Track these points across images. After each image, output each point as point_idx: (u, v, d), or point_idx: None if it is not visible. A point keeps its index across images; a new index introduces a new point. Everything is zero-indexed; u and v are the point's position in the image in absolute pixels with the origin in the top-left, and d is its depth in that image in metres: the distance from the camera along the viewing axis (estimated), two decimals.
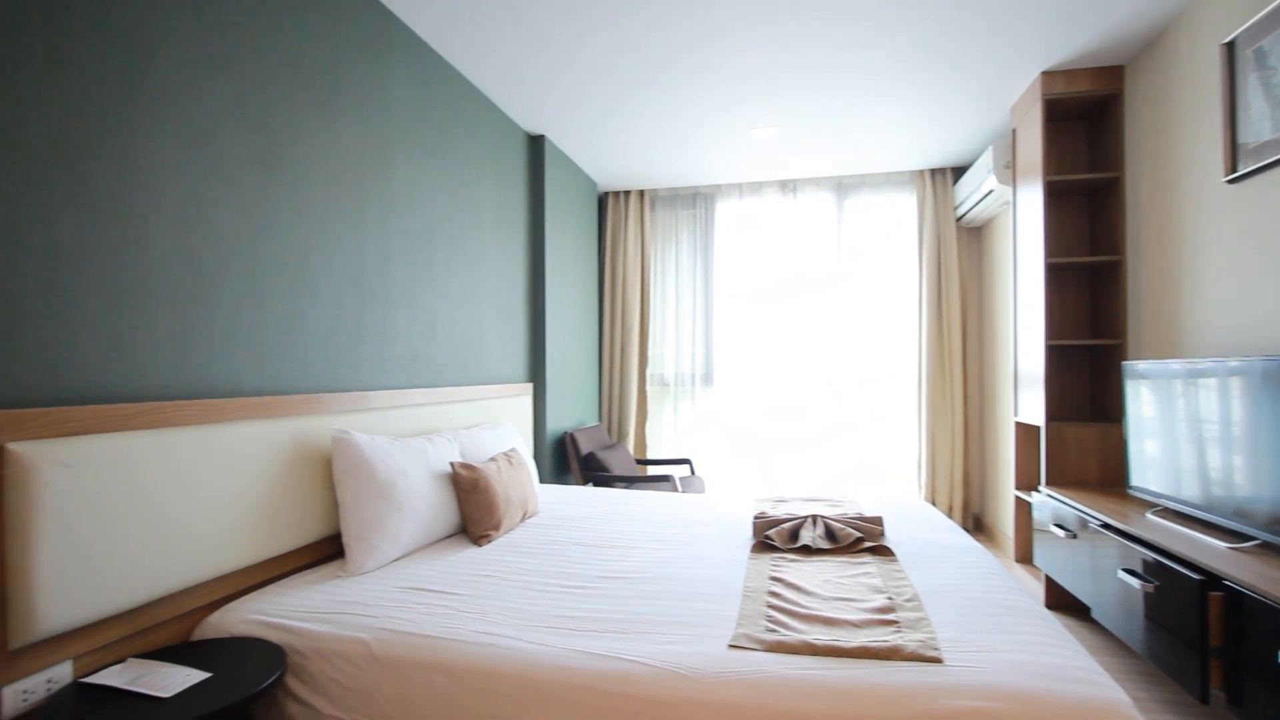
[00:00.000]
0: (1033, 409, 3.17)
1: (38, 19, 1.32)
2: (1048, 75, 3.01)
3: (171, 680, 1.32)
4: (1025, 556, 3.41)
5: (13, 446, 1.23)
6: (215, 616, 1.61)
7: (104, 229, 1.45)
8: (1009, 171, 3.47)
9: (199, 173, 1.68)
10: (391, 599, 1.67)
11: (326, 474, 2.01)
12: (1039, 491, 2.98)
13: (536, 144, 3.79)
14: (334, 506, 2.02)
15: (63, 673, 1.34)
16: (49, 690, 1.31)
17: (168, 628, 1.56)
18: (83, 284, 1.41)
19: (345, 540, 1.92)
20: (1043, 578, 3.04)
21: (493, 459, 2.51)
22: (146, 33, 1.54)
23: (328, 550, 2.06)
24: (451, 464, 2.29)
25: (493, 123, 3.32)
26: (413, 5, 2.44)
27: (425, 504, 2.10)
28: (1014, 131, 3.41)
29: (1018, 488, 3.39)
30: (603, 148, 4.03)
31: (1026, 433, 3.38)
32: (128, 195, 1.50)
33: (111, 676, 1.33)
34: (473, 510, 2.26)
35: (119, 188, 1.48)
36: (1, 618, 1.23)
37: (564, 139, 3.88)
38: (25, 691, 1.27)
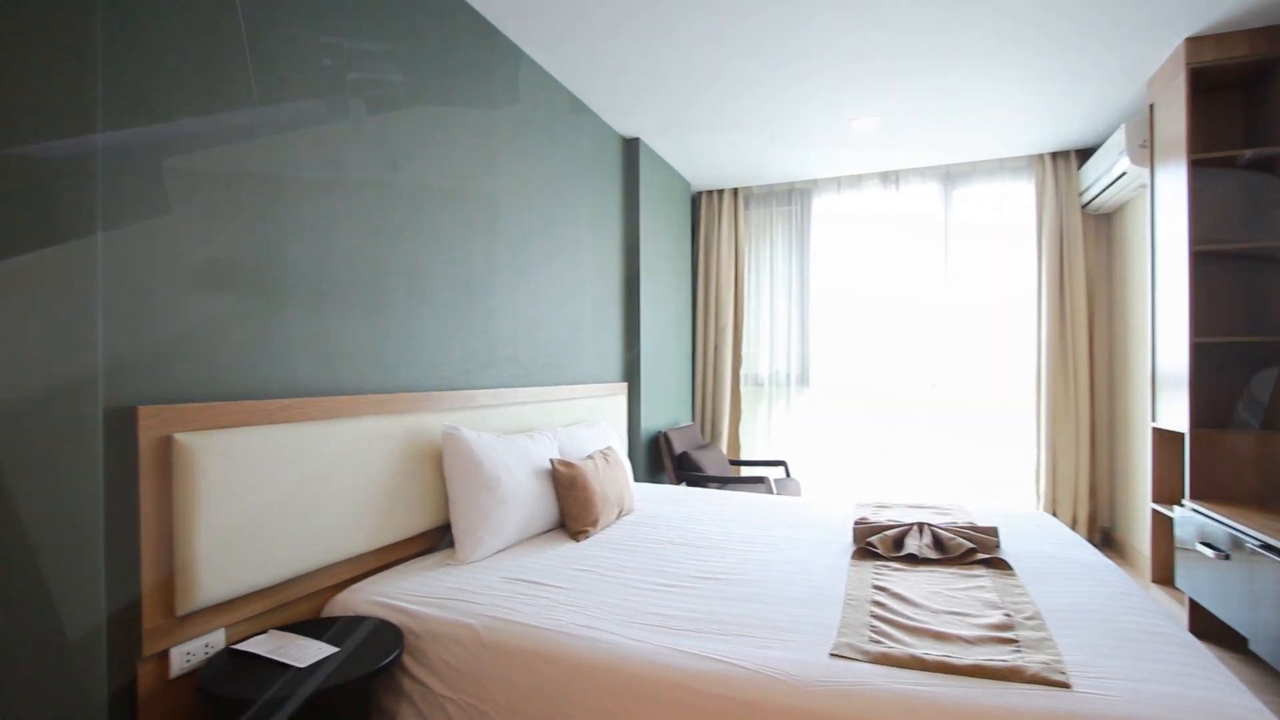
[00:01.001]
0: (1175, 414, 2.85)
1: (200, 60, 1.49)
2: (1193, 41, 2.70)
3: (305, 652, 1.45)
4: (1164, 577, 3.08)
5: (179, 437, 1.39)
6: (342, 596, 1.75)
7: (253, 242, 1.61)
8: (1145, 151, 3.14)
9: (328, 189, 1.84)
10: (497, 588, 1.76)
11: (437, 467, 2.13)
12: (1182, 506, 2.68)
13: (631, 147, 3.85)
14: (443, 498, 2.14)
15: (217, 639, 1.50)
16: (206, 653, 1.47)
17: (302, 604, 1.72)
18: (235, 291, 1.57)
19: (454, 531, 2.03)
20: (1186, 601, 2.74)
21: (590, 457, 2.57)
22: (288, 65, 1.70)
23: (437, 539, 2.19)
24: (551, 461, 2.36)
25: (589, 127, 3.40)
26: (518, 20, 2.54)
27: (527, 498, 2.19)
28: (1151, 107, 3.09)
29: (1156, 501, 3.06)
30: (696, 148, 4.02)
31: (1166, 440, 3.05)
32: (272, 212, 1.66)
33: (257, 645, 1.48)
34: (571, 506, 2.32)
35: (266, 205, 1.65)
36: (171, 587, 1.40)
37: (658, 141, 3.90)
38: (188, 654, 1.44)
